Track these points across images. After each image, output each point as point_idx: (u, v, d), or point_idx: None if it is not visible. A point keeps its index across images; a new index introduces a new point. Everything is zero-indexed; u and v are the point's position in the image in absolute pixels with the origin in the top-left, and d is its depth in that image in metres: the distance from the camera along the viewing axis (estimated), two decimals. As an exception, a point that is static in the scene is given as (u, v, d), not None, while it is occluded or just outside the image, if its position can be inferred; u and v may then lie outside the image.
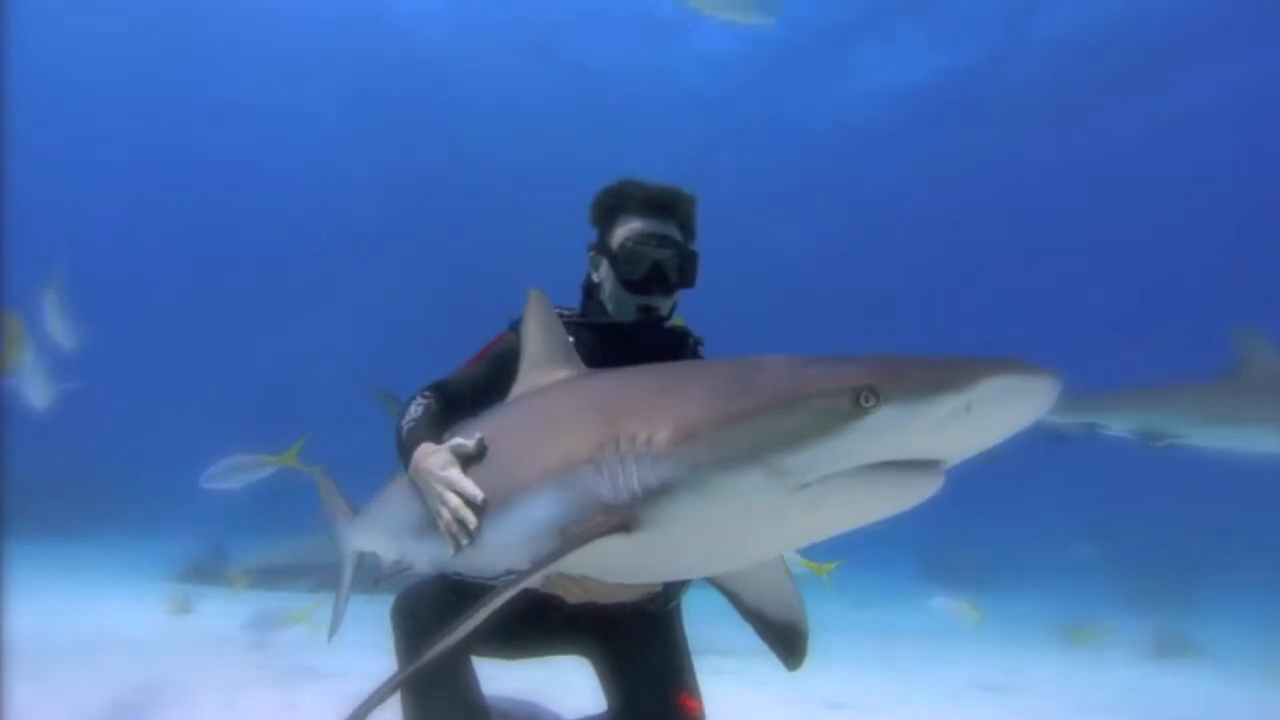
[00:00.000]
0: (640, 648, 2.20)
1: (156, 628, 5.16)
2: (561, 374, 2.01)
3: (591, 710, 2.63)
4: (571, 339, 2.16)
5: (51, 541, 9.53)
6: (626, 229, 2.19)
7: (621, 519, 1.48)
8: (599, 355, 2.15)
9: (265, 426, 8.19)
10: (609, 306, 2.24)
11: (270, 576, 8.12)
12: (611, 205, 2.24)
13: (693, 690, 2.18)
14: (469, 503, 1.73)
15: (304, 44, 20.27)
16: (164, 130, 23.39)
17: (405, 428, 2.00)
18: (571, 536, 1.54)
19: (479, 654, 2.10)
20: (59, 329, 4.85)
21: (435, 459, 1.83)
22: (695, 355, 2.31)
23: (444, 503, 1.76)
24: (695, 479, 1.38)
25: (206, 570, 8.47)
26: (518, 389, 2.08)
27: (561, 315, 2.23)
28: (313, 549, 8.49)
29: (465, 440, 1.84)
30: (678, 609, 2.33)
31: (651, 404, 1.55)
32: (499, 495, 1.73)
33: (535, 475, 1.67)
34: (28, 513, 10.18)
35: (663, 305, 2.22)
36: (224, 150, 24.10)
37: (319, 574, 8.08)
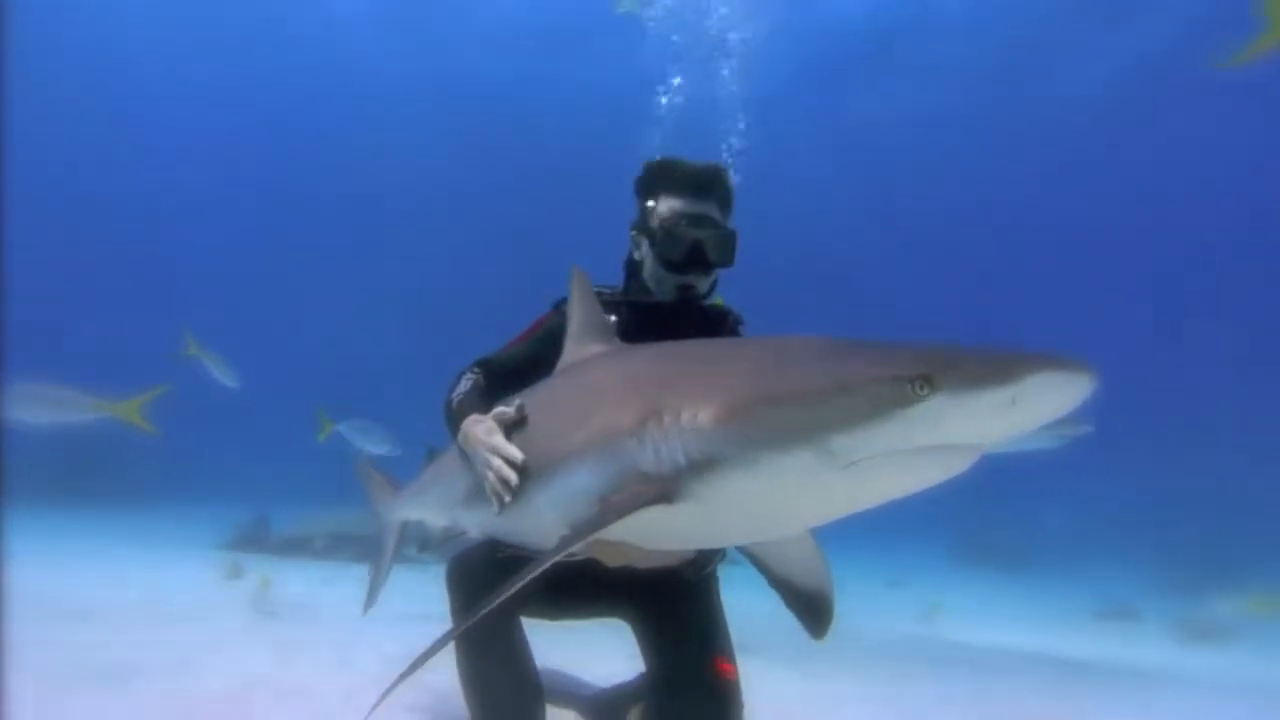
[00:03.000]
0: (677, 612, 2.27)
1: (213, 592, 5.38)
2: (601, 349, 2.10)
3: (623, 676, 2.76)
4: (613, 317, 2.25)
5: (99, 511, 9.90)
6: (666, 208, 2.24)
7: (662, 490, 1.54)
8: (638, 333, 2.23)
9: (315, 398, 8.38)
10: (650, 285, 2.31)
11: (313, 546, 8.38)
12: (651, 184, 2.29)
13: (728, 654, 2.22)
14: (511, 464, 1.85)
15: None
16: (193, 96, 23.65)
17: (455, 400, 2.13)
18: (613, 505, 1.61)
19: (526, 614, 2.19)
20: (220, 370, 6.31)
21: (480, 426, 1.95)
22: (735, 334, 2.35)
23: (488, 465, 1.88)
24: (742, 454, 1.44)
25: (252, 539, 8.75)
26: (562, 363, 2.17)
27: (603, 294, 2.31)
28: (354, 520, 8.74)
29: (507, 408, 1.96)
30: (714, 575, 2.41)
31: (696, 378, 1.60)
32: (544, 462, 1.82)
33: (578, 444, 1.74)
34: (75, 483, 10.59)
35: (701, 284, 2.27)
36: (279, 118, 24.31)
37: (360, 544, 8.32)
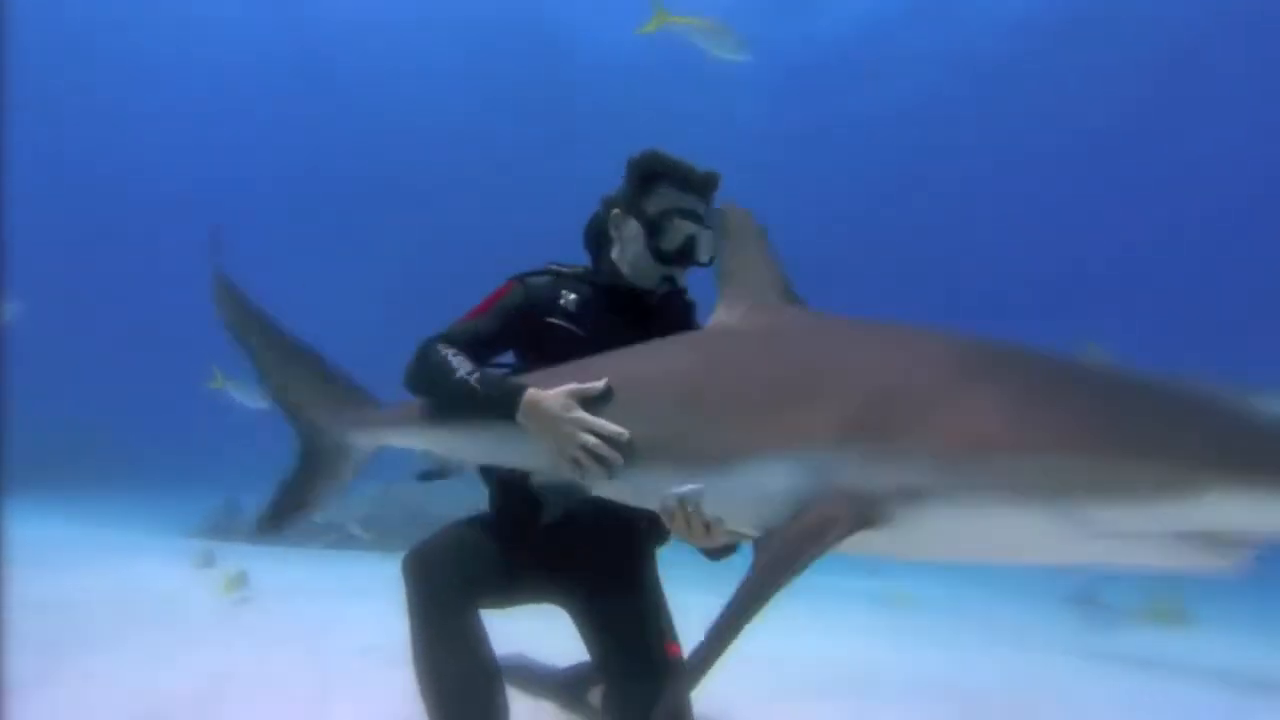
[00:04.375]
0: (626, 599, 2.32)
1: (184, 582, 5.30)
2: (780, 315, 1.90)
3: (577, 656, 2.73)
4: (573, 295, 2.25)
5: (66, 498, 9.73)
6: (665, 199, 2.23)
7: (866, 516, 1.32)
8: (611, 316, 2.25)
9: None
10: (625, 269, 2.30)
11: (288, 533, 8.27)
12: (653, 171, 2.27)
13: (675, 637, 2.32)
14: (614, 443, 1.80)
15: None
16: (174, 79, 23.27)
17: (464, 375, 2.01)
18: (818, 536, 1.34)
19: (481, 604, 2.15)
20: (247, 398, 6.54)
21: (555, 402, 1.87)
22: (692, 321, 2.37)
23: (579, 444, 1.82)
24: (974, 498, 1.23)
25: (223, 527, 8.64)
26: (716, 321, 2.02)
27: (573, 270, 2.33)
28: (332, 506, 8.66)
29: (594, 384, 1.89)
30: (655, 557, 2.46)
31: (934, 389, 1.35)
32: (719, 449, 1.59)
33: (768, 440, 1.51)
34: (42, 470, 10.39)
35: (681, 278, 2.30)
36: (252, 101, 24.06)
37: (337, 530, 8.25)
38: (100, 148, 24.23)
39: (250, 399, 6.84)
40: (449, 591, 2.07)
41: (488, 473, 2.39)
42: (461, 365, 2.05)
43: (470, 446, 2.27)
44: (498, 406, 1.95)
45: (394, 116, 23.53)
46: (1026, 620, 6.61)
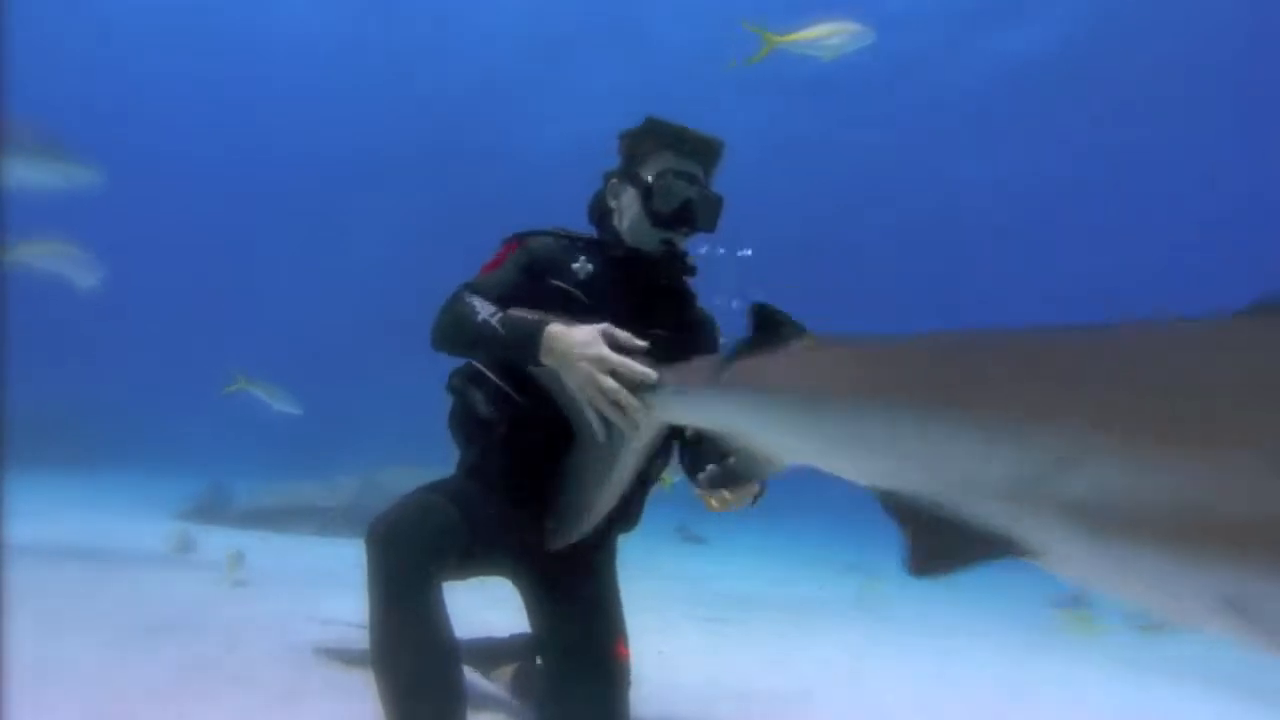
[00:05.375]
0: (581, 585, 2.26)
1: (162, 567, 5.24)
2: None
3: (498, 628, 2.73)
4: (588, 262, 2.19)
5: (55, 475, 9.67)
6: (661, 162, 2.20)
7: None
8: (613, 281, 2.20)
9: (277, 367, 8.25)
10: (626, 237, 2.26)
11: (273, 519, 8.24)
12: (648, 136, 2.25)
13: (625, 636, 2.26)
14: (636, 388, 1.71)
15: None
16: (177, 57, 23.13)
17: (490, 318, 1.91)
18: None
19: (443, 576, 2.05)
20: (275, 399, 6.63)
21: (576, 334, 1.78)
22: (689, 288, 2.36)
23: (597, 385, 1.73)
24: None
25: (209, 510, 8.59)
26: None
27: (576, 237, 2.28)
28: (315, 492, 8.62)
29: (621, 332, 1.80)
30: (614, 547, 2.39)
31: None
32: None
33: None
34: (34, 446, 10.33)
35: (681, 242, 2.26)
36: (241, 78, 23.89)
37: (322, 516, 8.20)
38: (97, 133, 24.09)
39: (278, 401, 6.76)
40: (412, 569, 1.94)
41: (464, 430, 2.28)
42: (484, 308, 1.94)
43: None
44: (520, 347, 1.85)
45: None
46: (1011, 623, 6.57)
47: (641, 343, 1.80)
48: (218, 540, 6.34)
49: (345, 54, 22.90)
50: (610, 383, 1.71)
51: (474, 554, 2.11)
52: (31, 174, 5.70)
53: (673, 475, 2.62)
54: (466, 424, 2.26)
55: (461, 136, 23.60)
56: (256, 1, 22.22)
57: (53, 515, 6.79)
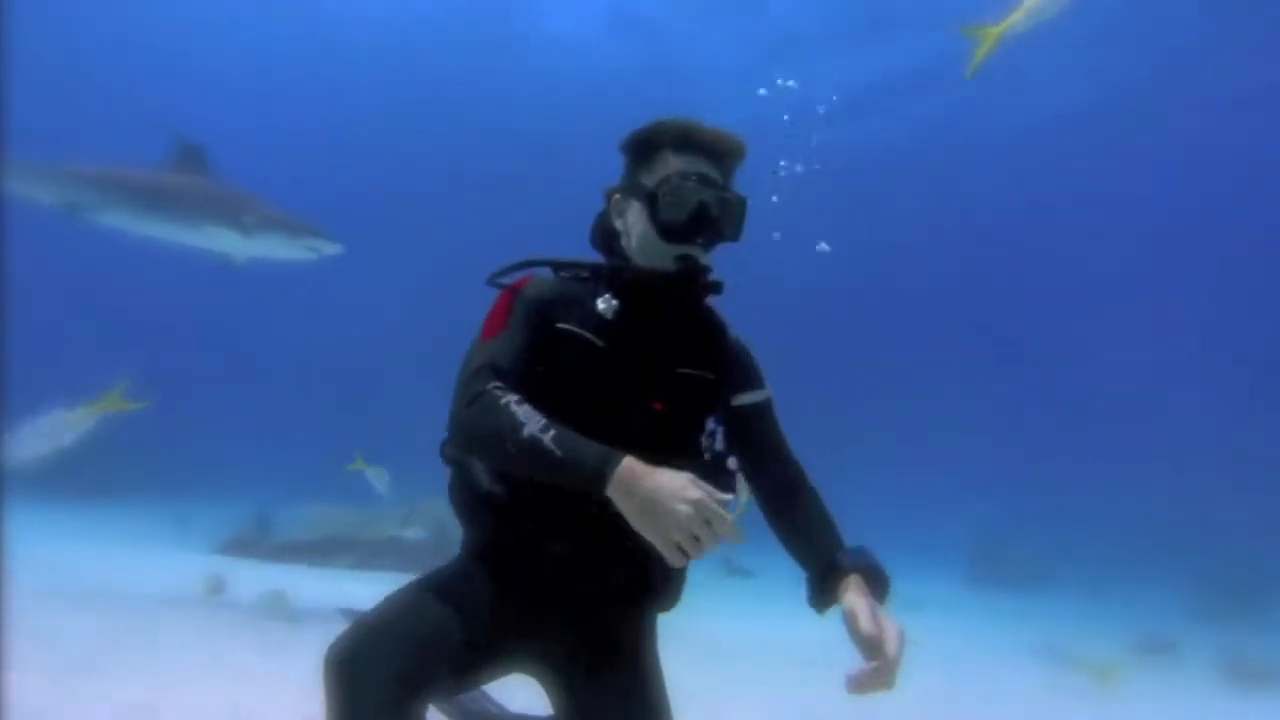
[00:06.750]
0: (618, 676, 1.86)
1: (192, 610, 5.10)
2: None
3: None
4: (615, 301, 1.83)
5: (96, 504, 9.70)
6: (666, 168, 1.84)
7: None
8: (629, 316, 1.83)
9: (314, 397, 8.16)
10: (637, 260, 1.89)
11: (311, 551, 8.12)
12: (649, 141, 1.88)
13: None
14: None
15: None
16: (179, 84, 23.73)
17: (544, 438, 1.59)
18: None
19: (433, 699, 1.73)
20: (380, 482, 6.70)
21: (669, 478, 1.52)
22: (719, 319, 1.98)
23: (689, 531, 1.48)
24: None
25: (248, 543, 8.51)
26: None
27: (581, 265, 1.91)
28: (355, 521, 8.48)
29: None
30: (655, 623, 1.99)
31: None
32: None
33: None
34: (70, 479, 10.40)
35: (702, 257, 1.85)
36: (270, 106, 24.46)
37: (360, 550, 8.07)
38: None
39: (380, 483, 6.85)
40: (376, 708, 1.61)
41: (465, 507, 1.90)
42: (530, 420, 1.61)
43: None
44: (578, 475, 1.56)
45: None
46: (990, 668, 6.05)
47: (726, 496, 1.53)
48: (251, 578, 6.20)
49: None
50: (707, 532, 1.47)
51: (479, 660, 1.78)
52: (285, 251, 7.00)
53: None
54: (467, 500, 1.90)
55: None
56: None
57: (88, 555, 6.72)
